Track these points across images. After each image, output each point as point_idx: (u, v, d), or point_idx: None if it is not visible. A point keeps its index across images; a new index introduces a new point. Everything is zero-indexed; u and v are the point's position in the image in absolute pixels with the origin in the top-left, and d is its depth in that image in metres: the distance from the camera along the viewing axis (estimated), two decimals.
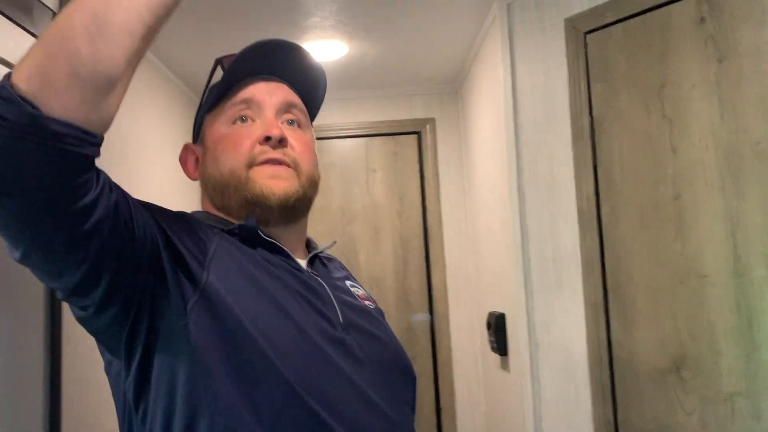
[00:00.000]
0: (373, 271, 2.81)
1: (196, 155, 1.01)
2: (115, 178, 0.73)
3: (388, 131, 2.89)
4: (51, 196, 0.62)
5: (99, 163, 0.67)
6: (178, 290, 0.79)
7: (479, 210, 2.53)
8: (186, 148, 1.03)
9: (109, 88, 0.62)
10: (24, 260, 0.68)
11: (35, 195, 0.62)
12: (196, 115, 1.03)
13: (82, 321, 0.80)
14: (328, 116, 2.83)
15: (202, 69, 2.14)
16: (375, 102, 2.90)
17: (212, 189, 0.96)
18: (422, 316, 2.82)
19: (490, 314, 2.22)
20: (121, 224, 0.71)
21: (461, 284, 2.81)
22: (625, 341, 1.61)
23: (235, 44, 0.98)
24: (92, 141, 0.63)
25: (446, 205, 2.85)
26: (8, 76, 0.59)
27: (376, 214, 2.86)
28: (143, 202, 0.81)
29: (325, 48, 2.27)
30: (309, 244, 1.06)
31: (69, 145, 0.60)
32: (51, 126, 0.58)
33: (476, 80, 2.43)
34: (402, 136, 2.89)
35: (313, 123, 1.07)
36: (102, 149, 0.66)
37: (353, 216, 2.86)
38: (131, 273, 0.75)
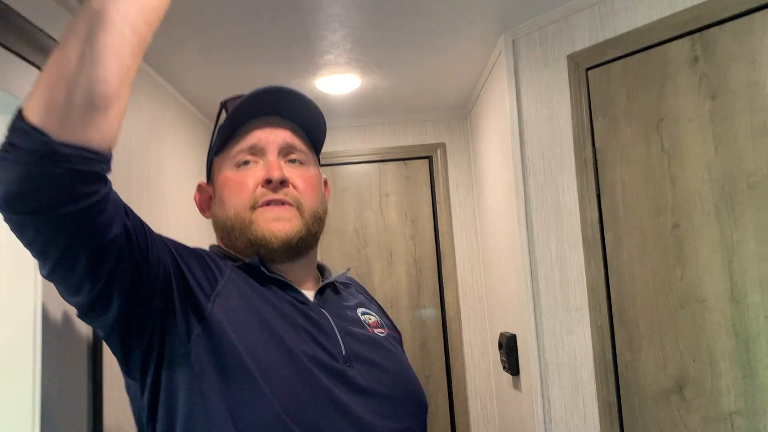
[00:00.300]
0: (388, 292, 2.89)
1: (209, 194, 1.09)
2: (140, 207, 0.82)
3: (400, 156, 2.98)
4: (68, 213, 0.68)
5: (128, 192, 0.76)
6: (185, 320, 0.87)
7: (490, 232, 2.62)
8: (200, 187, 1.11)
9: (106, 107, 0.67)
10: (50, 276, 0.76)
11: (54, 212, 0.68)
12: (207, 156, 1.12)
13: (106, 341, 0.89)
14: (342, 143, 2.94)
15: (215, 97, 2.28)
16: (387, 128, 3.00)
17: (221, 230, 1.04)
18: (428, 312, 2.89)
19: (502, 335, 2.30)
20: (135, 247, 0.78)
21: (473, 304, 2.89)
22: (630, 362, 1.68)
23: (254, 82, 1.06)
24: (99, 158, 0.68)
25: (458, 227, 2.94)
26: (20, 109, 0.66)
27: (389, 236, 2.94)
28: (161, 235, 0.90)
29: (339, 82, 2.37)
30: (323, 272, 1.14)
31: (78, 165, 0.66)
32: (60, 150, 0.64)
33: (484, 107, 2.52)
34: (414, 160, 2.98)
35: (321, 155, 1.15)
36: (130, 180, 0.75)
37: (368, 239, 2.95)
38: (143, 298, 0.82)
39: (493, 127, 2.36)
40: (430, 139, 2.98)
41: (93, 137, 0.67)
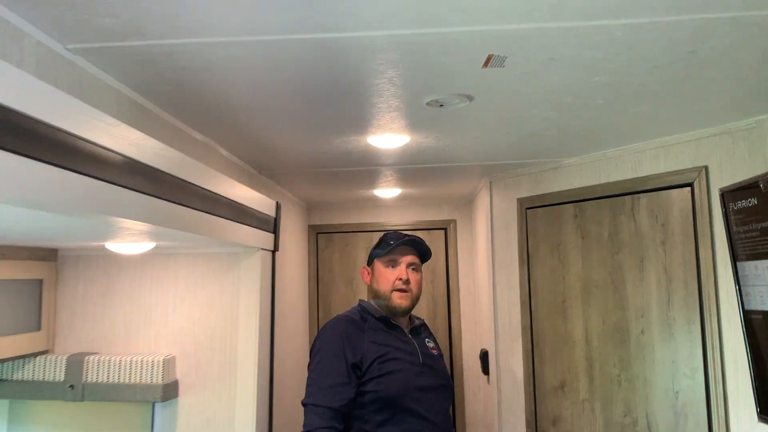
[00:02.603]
0: None
1: (368, 272, 2.34)
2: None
3: (426, 227, 4.48)
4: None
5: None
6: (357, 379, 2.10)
7: (479, 282, 4.08)
8: (363, 269, 2.39)
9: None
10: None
11: None
12: (370, 253, 2.34)
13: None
14: (390, 216, 4.44)
15: (316, 200, 3.86)
16: (419, 208, 4.50)
17: (374, 295, 2.28)
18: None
19: (482, 350, 3.78)
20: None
21: (469, 328, 4.37)
22: (539, 370, 3.14)
23: (324, 146, 2.39)
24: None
25: (461, 276, 4.42)
26: None
27: None
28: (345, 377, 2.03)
29: (389, 191, 3.87)
30: (412, 319, 2.38)
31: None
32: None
33: (478, 202, 3.98)
34: (434, 230, 4.48)
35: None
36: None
37: None
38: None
39: (480, 219, 3.82)
40: (445, 216, 4.47)
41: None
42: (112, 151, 1.33)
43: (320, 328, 2.27)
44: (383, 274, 2.23)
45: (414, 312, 2.33)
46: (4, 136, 0.96)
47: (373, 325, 2.17)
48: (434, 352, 2.32)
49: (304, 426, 1.95)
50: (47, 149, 1.08)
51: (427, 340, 2.34)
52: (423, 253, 2.32)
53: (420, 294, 2.30)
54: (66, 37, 1.34)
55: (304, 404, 1.99)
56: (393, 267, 2.23)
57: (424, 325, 2.43)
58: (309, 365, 2.09)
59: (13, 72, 1.00)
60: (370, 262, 2.33)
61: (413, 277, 2.24)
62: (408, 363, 2.13)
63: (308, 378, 2.04)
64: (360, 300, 2.32)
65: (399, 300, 2.20)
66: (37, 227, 1.63)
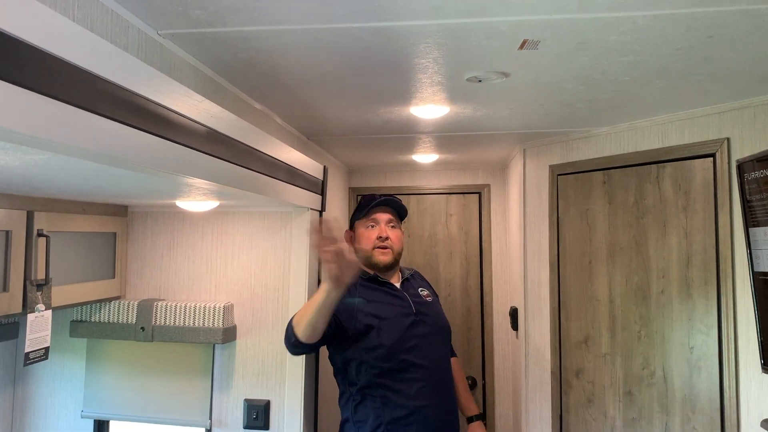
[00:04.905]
0: (448, 277, 4.62)
1: (351, 236, 2.62)
2: None
3: (461, 191, 4.67)
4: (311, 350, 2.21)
5: None
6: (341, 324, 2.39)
7: (511, 243, 4.28)
8: (347, 232, 2.67)
9: (308, 337, 1.97)
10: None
11: (305, 351, 2.18)
12: (351, 218, 2.66)
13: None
14: (426, 180, 4.65)
15: (358, 164, 4.12)
16: (454, 172, 4.69)
17: (358, 257, 2.53)
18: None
19: (511, 307, 4.01)
20: (332, 331, 2.29)
21: (499, 287, 4.60)
22: (565, 326, 3.36)
23: (370, 116, 2.77)
24: (312, 347, 2.09)
25: (494, 238, 4.62)
26: (292, 326, 2.04)
27: (450, 242, 4.66)
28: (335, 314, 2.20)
29: (426, 157, 4.07)
30: (402, 272, 2.66)
31: (306, 350, 2.13)
32: (297, 342, 2.02)
33: (512, 168, 4.16)
34: (469, 194, 4.67)
35: (404, 220, 2.82)
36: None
37: (437, 242, 4.68)
38: (335, 330, 2.34)
39: (514, 184, 4.00)
40: (480, 180, 4.66)
41: (309, 341, 2.00)
42: (198, 122, 1.56)
43: None
44: (364, 235, 2.49)
45: (446, 270, 2.60)
46: (121, 111, 1.19)
47: (364, 285, 2.44)
48: (428, 298, 2.53)
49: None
50: (150, 121, 1.31)
51: (420, 288, 2.56)
52: (399, 210, 2.57)
53: (402, 248, 2.53)
54: (160, 25, 1.57)
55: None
56: (373, 227, 2.48)
57: (415, 274, 2.68)
58: None
59: (126, 57, 1.22)
60: (351, 226, 2.59)
61: (392, 233, 2.48)
62: (401, 315, 2.36)
63: None
64: None
65: (381, 256, 2.46)
66: (123, 186, 1.88)
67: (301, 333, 1.99)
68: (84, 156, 1.10)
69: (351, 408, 2.30)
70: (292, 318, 2.08)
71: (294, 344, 2.05)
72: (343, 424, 2.36)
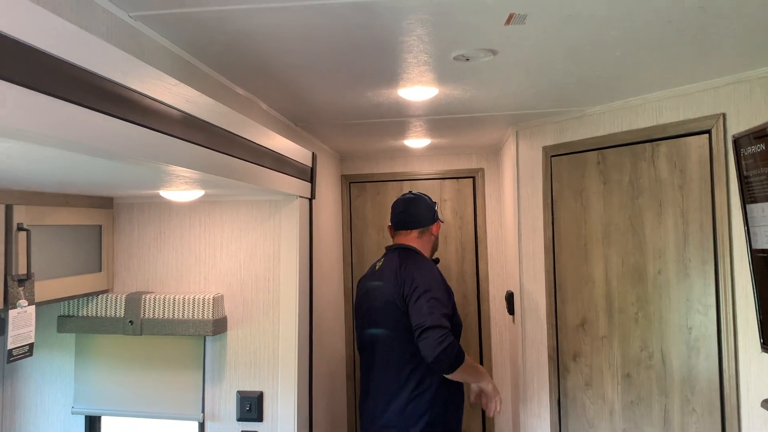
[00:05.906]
0: (444, 262, 4.58)
1: (438, 226, 3.08)
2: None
3: (454, 176, 4.62)
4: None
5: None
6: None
7: (506, 227, 4.24)
8: (438, 223, 3.11)
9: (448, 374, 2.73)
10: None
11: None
12: (435, 214, 3.08)
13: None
14: (420, 166, 4.59)
15: (348, 150, 4.06)
16: (448, 157, 4.64)
17: (434, 245, 3.12)
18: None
19: (507, 291, 3.97)
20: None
21: (495, 272, 4.56)
22: (561, 309, 3.32)
23: (355, 99, 2.71)
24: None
25: (488, 223, 4.58)
26: (462, 359, 2.73)
27: (446, 227, 4.61)
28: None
29: (418, 141, 4.01)
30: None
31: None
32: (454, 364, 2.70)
33: (505, 151, 4.11)
34: (463, 179, 4.62)
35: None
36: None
37: None
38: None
39: (507, 167, 3.95)
40: (474, 165, 4.61)
41: (454, 372, 2.74)
42: (172, 107, 1.50)
43: (412, 266, 2.93)
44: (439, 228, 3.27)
45: (441, 255, 3.08)
46: (88, 96, 1.14)
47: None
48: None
49: (439, 341, 2.62)
50: (120, 106, 1.26)
51: None
52: None
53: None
54: (131, 6, 1.51)
55: (430, 326, 2.65)
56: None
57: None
58: (418, 296, 2.75)
59: (93, 40, 1.17)
60: (435, 220, 3.20)
61: None
62: None
63: (426, 306, 2.71)
64: (409, 246, 3.09)
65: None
66: (101, 176, 1.83)
67: (454, 374, 2.75)
68: (50, 144, 1.05)
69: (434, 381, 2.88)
70: (464, 353, 2.76)
71: (451, 365, 2.71)
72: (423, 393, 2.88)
